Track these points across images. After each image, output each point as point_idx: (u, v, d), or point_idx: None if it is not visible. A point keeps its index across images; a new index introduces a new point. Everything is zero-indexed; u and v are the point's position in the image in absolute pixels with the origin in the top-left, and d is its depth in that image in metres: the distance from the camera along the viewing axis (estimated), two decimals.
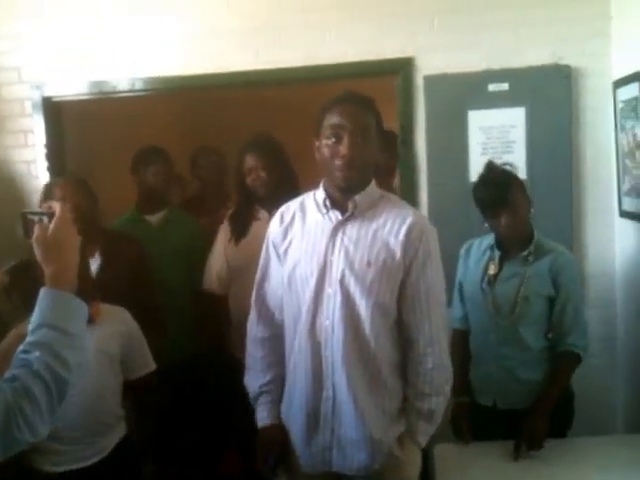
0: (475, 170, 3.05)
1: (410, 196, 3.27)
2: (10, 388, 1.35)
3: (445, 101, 3.21)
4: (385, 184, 3.48)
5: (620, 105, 3.02)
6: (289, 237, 2.19)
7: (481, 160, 3.06)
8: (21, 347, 1.43)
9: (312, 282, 2.09)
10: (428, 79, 3.21)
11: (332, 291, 2.07)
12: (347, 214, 2.11)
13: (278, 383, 2.25)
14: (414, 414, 2.14)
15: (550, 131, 3.17)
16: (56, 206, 1.56)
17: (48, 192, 2.94)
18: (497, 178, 2.63)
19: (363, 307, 2.06)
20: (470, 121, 3.20)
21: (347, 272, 2.06)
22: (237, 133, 3.40)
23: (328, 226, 2.12)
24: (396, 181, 3.63)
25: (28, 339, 1.43)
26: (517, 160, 3.07)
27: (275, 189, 3.05)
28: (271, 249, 2.25)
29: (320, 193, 2.17)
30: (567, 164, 3.17)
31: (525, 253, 2.62)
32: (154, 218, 3.50)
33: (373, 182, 2.16)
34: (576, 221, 3.19)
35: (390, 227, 2.10)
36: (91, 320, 2.44)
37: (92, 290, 2.42)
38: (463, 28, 3.17)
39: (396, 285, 2.09)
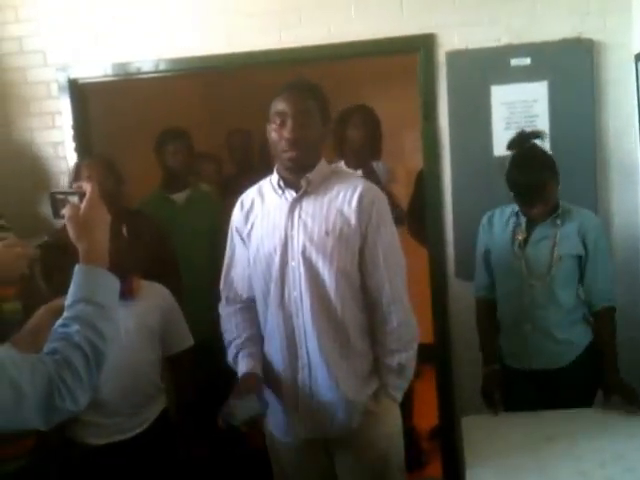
0: (499, 144, 3.08)
1: (434, 171, 3.29)
2: (52, 360, 1.42)
3: (467, 77, 3.22)
4: (365, 166, 3.49)
5: None
6: (251, 221, 2.32)
7: (505, 135, 3.09)
8: (59, 322, 1.51)
9: (276, 258, 2.22)
10: (450, 55, 3.22)
11: (295, 263, 2.20)
12: (301, 191, 2.23)
13: (255, 341, 2.34)
14: (385, 371, 2.27)
15: (573, 105, 3.17)
16: (86, 186, 1.63)
17: (77, 172, 3.00)
18: (534, 168, 2.64)
19: (327, 275, 2.18)
20: (493, 96, 3.21)
21: (307, 244, 2.19)
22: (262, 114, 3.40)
23: (285, 205, 2.25)
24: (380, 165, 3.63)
25: (66, 314, 1.50)
26: None
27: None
28: (235, 235, 2.37)
29: (274, 176, 2.30)
30: (590, 137, 3.18)
31: (554, 215, 2.69)
32: (178, 197, 3.54)
33: (323, 160, 2.30)
34: (601, 193, 3.20)
35: (343, 197, 2.23)
36: (131, 295, 2.51)
37: (129, 266, 2.46)
38: (484, 3, 3.17)
39: (355, 251, 2.22)
